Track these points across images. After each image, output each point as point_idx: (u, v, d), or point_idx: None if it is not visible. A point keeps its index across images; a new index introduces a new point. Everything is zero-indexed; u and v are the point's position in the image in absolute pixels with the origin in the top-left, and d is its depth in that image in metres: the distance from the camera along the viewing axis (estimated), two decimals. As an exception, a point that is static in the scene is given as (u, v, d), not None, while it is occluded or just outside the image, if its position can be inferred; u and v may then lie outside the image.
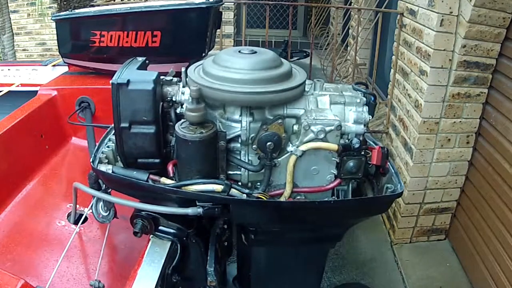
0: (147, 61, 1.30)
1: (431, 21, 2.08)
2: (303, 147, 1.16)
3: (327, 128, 1.14)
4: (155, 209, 1.22)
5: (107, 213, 1.37)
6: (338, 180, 1.21)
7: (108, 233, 1.45)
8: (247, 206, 1.20)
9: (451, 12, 2.00)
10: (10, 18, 6.02)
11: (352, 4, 4.76)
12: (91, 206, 1.36)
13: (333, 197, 1.28)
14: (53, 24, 2.13)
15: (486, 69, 2.08)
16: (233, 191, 1.15)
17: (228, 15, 5.06)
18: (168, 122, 1.24)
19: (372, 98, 1.26)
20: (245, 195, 1.16)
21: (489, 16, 1.93)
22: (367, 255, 2.52)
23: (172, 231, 1.35)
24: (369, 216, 1.64)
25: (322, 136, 1.15)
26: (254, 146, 1.19)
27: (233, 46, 4.95)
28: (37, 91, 2.15)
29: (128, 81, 1.14)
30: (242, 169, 1.23)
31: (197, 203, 1.15)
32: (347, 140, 1.19)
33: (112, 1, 3.84)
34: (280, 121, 1.18)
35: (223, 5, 2.37)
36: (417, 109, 2.27)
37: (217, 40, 2.66)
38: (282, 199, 1.22)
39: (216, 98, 1.16)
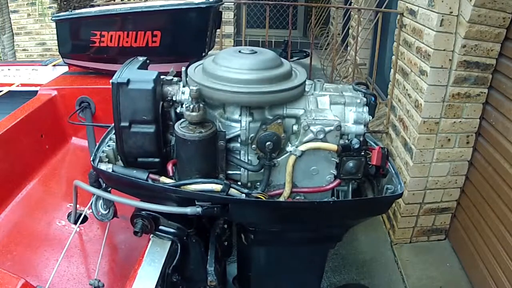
0: (147, 61, 1.31)
1: (431, 21, 2.08)
2: (303, 147, 1.16)
3: (327, 128, 1.14)
4: (155, 208, 1.22)
5: (106, 212, 1.37)
6: (337, 181, 1.21)
7: (108, 232, 1.45)
8: (246, 205, 1.20)
9: (451, 12, 2.00)
10: (10, 18, 6.02)
11: (352, 4, 4.76)
12: (91, 203, 1.36)
13: (333, 198, 1.28)
14: (53, 24, 2.13)
15: (486, 69, 2.08)
16: (232, 191, 1.15)
17: (228, 15, 5.06)
18: (168, 121, 1.24)
19: (373, 99, 1.26)
20: (244, 195, 1.16)
21: (489, 16, 1.93)
22: (367, 255, 2.52)
23: (172, 230, 1.35)
24: (369, 217, 1.64)
25: (321, 136, 1.15)
26: (253, 146, 1.19)
27: (233, 46, 4.95)
28: (37, 91, 2.15)
29: (128, 80, 1.14)
30: (242, 169, 1.23)
31: (196, 203, 1.15)
32: (347, 141, 1.19)
33: (112, 1, 3.84)
34: (279, 121, 1.18)
35: (223, 5, 2.37)
36: (417, 109, 2.27)
37: (217, 40, 2.66)
38: (281, 199, 1.22)
39: (216, 98, 1.16)
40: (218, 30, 2.44)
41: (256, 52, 1.21)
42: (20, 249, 1.52)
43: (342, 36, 4.57)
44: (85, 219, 1.58)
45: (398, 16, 2.54)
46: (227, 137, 1.19)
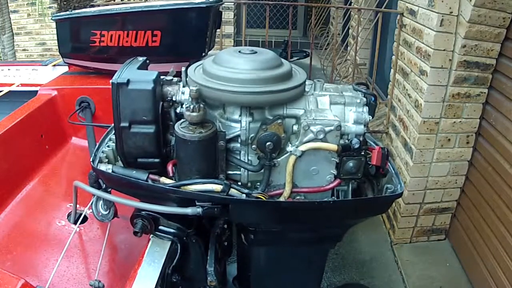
0: (147, 61, 1.31)
1: (431, 21, 2.08)
2: (303, 147, 1.16)
3: (327, 128, 1.14)
4: (155, 209, 1.22)
5: (106, 212, 1.37)
6: (337, 181, 1.21)
7: (108, 233, 1.45)
8: (246, 206, 1.20)
9: (451, 12, 2.00)
10: (10, 18, 6.02)
11: (352, 4, 4.76)
12: (91, 204, 1.36)
13: (333, 198, 1.28)
14: (53, 24, 2.13)
15: (486, 69, 2.08)
16: (233, 191, 1.15)
17: (228, 15, 5.06)
18: (168, 121, 1.24)
19: (373, 99, 1.26)
20: (244, 195, 1.16)
21: (489, 16, 1.93)
22: (367, 255, 2.52)
23: (172, 231, 1.35)
24: (369, 216, 1.64)
25: (321, 136, 1.15)
26: (253, 146, 1.19)
27: (233, 46, 4.95)
28: (37, 91, 2.15)
29: (128, 80, 1.14)
30: (242, 169, 1.23)
31: (197, 203, 1.15)
32: (347, 141, 1.19)
33: (112, 1, 3.84)
34: (279, 121, 1.18)
35: (223, 5, 2.37)
36: (417, 109, 2.27)
37: (217, 40, 2.66)
38: (282, 199, 1.22)
39: (215, 98, 1.16)
40: (218, 30, 2.44)
41: (256, 52, 1.21)
42: (20, 249, 1.52)
43: (342, 36, 4.57)
44: (85, 219, 1.58)
45: (398, 16, 2.54)
46: (227, 137, 1.19)
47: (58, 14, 2.12)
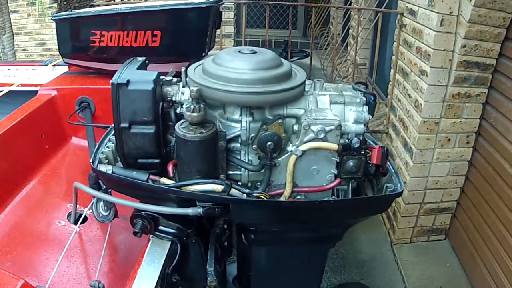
0: (147, 61, 1.31)
1: (431, 21, 2.08)
2: (303, 147, 1.16)
3: (327, 128, 1.14)
4: (155, 209, 1.22)
5: (107, 213, 1.37)
6: (338, 180, 1.21)
7: (109, 233, 1.45)
8: (247, 206, 1.20)
9: (451, 12, 2.01)
10: (10, 18, 6.02)
11: (352, 4, 4.76)
12: (91, 205, 1.36)
13: (333, 197, 1.28)
14: (53, 24, 2.13)
15: (486, 69, 2.08)
16: (233, 191, 1.15)
17: (228, 15, 5.06)
18: (168, 122, 1.24)
19: (372, 98, 1.26)
20: (245, 195, 1.16)
21: (489, 16, 1.93)
22: (367, 255, 2.52)
23: (172, 231, 1.35)
24: (369, 215, 1.64)
25: (322, 135, 1.15)
26: (254, 146, 1.19)
27: (233, 46, 4.95)
28: (37, 91, 2.15)
29: (128, 81, 1.14)
30: (242, 169, 1.23)
31: (197, 203, 1.15)
32: (347, 140, 1.19)
33: (112, 1, 3.84)
34: (280, 121, 1.18)
35: (223, 5, 2.37)
36: (417, 109, 2.27)
37: (217, 40, 2.66)
38: (282, 198, 1.22)
39: (216, 98, 1.16)
40: (218, 30, 2.44)
41: (256, 52, 1.21)
42: (20, 249, 1.51)
43: (342, 36, 4.57)
44: (85, 219, 1.58)
45: (398, 16, 2.54)
46: (227, 137, 1.19)
47: (58, 14, 2.12)
